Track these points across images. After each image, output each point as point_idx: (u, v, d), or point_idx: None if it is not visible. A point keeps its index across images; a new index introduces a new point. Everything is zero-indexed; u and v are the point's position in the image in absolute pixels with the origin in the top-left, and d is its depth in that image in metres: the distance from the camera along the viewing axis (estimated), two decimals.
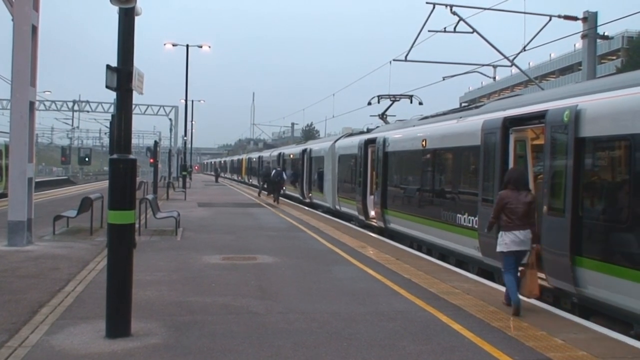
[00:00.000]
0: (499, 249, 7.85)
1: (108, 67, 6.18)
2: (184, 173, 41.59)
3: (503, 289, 8.95)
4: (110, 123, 14.61)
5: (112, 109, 54.85)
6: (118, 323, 6.13)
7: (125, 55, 6.26)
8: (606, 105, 7.82)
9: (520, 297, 7.58)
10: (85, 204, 14.50)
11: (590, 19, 16.64)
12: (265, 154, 47.46)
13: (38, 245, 12.11)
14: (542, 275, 8.92)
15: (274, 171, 29.70)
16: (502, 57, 17.37)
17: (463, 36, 17.31)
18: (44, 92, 62.68)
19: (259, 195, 33.12)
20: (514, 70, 21.71)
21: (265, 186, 32.14)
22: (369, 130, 20.96)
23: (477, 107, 13.04)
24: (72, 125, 77.27)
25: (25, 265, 9.87)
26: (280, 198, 28.80)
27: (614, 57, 61.22)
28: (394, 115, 21.87)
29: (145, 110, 62.49)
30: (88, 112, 64.15)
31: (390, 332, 6.51)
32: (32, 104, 12.13)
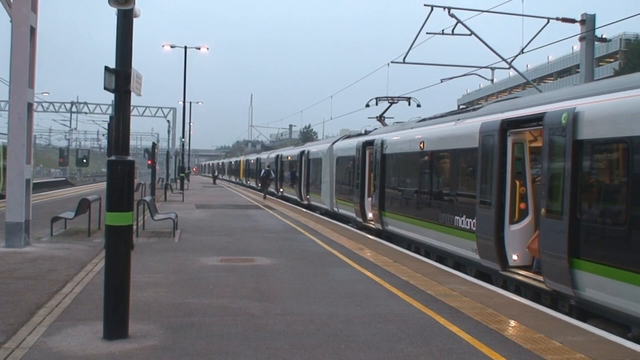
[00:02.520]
0: None
1: (106, 68, 6.17)
2: (181, 175, 41.56)
3: (501, 291, 9.02)
4: (109, 124, 14.64)
5: (110, 111, 54.81)
6: (116, 325, 6.12)
7: (124, 56, 6.25)
8: (604, 107, 7.84)
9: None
10: (83, 205, 14.49)
11: (588, 22, 16.69)
12: (263, 155, 47.45)
13: (36, 246, 12.08)
14: (540, 278, 8.96)
15: (262, 170, 30.77)
16: (500, 59, 17.38)
17: (461, 38, 17.30)
18: (42, 93, 62.66)
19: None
20: (512, 72, 21.75)
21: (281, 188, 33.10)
22: (366, 132, 20.97)
23: (475, 110, 13.04)
24: (70, 127, 77.24)
25: (23, 267, 9.85)
26: (280, 200, 28.93)
27: (612, 60, 61.41)
28: (392, 118, 21.93)
29: (144, 112, 62.37)
30: (86, 113, 64.04)
31: (388, 334, 6.51)
32: (30, 105, 12.11)
